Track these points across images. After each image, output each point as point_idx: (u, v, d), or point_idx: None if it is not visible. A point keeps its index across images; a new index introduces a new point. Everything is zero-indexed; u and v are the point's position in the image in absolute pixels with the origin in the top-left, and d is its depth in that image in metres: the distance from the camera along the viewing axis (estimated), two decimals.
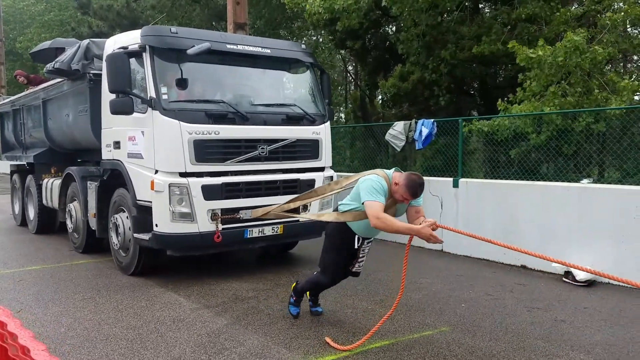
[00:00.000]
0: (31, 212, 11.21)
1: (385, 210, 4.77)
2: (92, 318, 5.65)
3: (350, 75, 25.93)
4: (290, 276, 7.39)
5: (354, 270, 5.33)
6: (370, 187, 4.72)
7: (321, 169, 7.67)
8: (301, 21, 20.58)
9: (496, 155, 9.96)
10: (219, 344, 4.88)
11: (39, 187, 10.57)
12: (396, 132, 10.61)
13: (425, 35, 13.85)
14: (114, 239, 7.61)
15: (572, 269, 7.04)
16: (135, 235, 7.00)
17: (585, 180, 8.06)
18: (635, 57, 14.59)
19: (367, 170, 5.12)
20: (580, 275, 7.01)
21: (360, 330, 5.24)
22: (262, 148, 7.03)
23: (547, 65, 9.58)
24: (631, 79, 9.44)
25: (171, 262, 7.82)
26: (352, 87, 25.68)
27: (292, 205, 6.02)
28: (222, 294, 6.54)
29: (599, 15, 10.76)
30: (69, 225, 9.17)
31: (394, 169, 4.94)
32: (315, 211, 7.36)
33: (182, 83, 6.69)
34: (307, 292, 5.73)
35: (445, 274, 7.69)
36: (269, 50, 7.35)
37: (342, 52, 18.34)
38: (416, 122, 10.34)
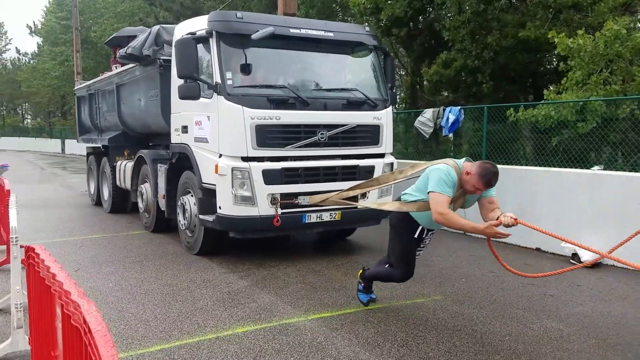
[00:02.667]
0: (105, 193, 11.19)
1: (454, 201, 4.31)
2: (136, 277, 6.24)
3: (400, 62, 25.29)
4: (312, 250, 7.68)
5: None
6: (439, 177, 4.24)
7: (381, 156, 7.19)
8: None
9: (541, 143, 9.54)
10: (236, 300, 5.41)
11: (113, 169, 10.51)
12: (425, 119, 10.33)
13: (470, 22, 13.27)
14: (181, 220, 7.44)
15: (578, 251, 6.97)
16: (201, 216, 6.82)
17: (596, 167, 7.85)
18: None
19: (435, 160, 4.64)
20: (585, 257, 6.83)
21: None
22: (322, 133, 6.65)
23: (587, 54, 9.09)
24: None
25: None
26: (404, 74, 25.09)
27: (352, 193, 5.70)
28: (249, 262, 6.89)
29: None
30: (140, 205, 9.10)
31: (464, 158, 4.43)
32: (374, 199, 6.95)
33: (246, 68, 6.42)
34: (359, 273, 5.34)
35: (458, 253, 7.52)
36: (332, 34, 6.92)
37: (389, 39, 17.87)
38: (444, 110, 10.01)
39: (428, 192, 4.33)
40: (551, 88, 10.18)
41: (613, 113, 8.45)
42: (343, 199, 5.92)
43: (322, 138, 6.70)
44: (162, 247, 7.81)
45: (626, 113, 8.32)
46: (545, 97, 9.85)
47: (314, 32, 6.87)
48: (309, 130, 6.65)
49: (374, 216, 7.00)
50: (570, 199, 7.41)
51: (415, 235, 4.71)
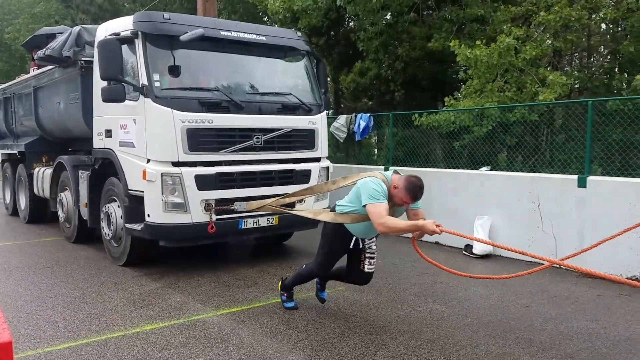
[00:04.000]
0: (22, 202, 9.88)
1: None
2: (47, 282, 5.88)
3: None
4: (231, 251, 7.47)
5: (365, 270, 4.58)
6: (371, 189, 4.05)
7: (317, 160, 6.71)
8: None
9: (446, 146, 9.77)
10: (147, 301, 5.19)
11: (30, 176, 9.27)
12: (339, 124, 10.24)
13: (383, 33, 13.25)
14: (106, 229, 6.58)
15: (471, 242, 7.19)
16: (127, 225, 6.06)
17: (483, 168, 8.08)
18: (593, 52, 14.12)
19: (364, 173, 4.43)
20: (477, 249, 7.08)
21: (273, 291, 5.44)
22: (257, 138, 6.09)
23: (483, 64, 9.24)
24: (559, 74, 9.19)
25: None
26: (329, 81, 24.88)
27: (288, 200, 5.30)
28: (164, 265, 6.56)
29: (534, 15, 10.39)
30: (60, 215, 8.03)
31: (392, 171, 4.25)
32: (311, 202, 6.46)
33: (174, 70, 5.74)
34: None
35: None
36: (264, 38, 6.36)
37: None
38: (356, 116, 10.00)
39: (364, 206, 4.10)
40: (455, 94, 10.15)
41: (507, 118, 8.63)
42: (280, 206, 5.45)
43: (257, 142, 6.14)
44: (75, 252, 7.29)
45: (516, 117, 8.56)
46: (445, 104, 9.88)
47: (246, 36, 6.29)
48: (244, 134, 6.07)
49: (312, 220, 6.51)
50: (462, 194, 7.76)
51: (351, 245, 4.50)
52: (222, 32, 6.11)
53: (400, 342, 4.19)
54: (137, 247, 6.27)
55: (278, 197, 5.46)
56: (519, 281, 5.90)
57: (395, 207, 4.25)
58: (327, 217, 4.56)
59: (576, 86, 11.38)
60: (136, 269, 6.29)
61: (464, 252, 7.28)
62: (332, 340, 4.25)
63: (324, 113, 6.86)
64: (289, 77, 7.06)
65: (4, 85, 11.14)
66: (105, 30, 6.44)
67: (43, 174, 8.71)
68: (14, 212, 10.43)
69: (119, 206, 6.40)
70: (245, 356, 3.92)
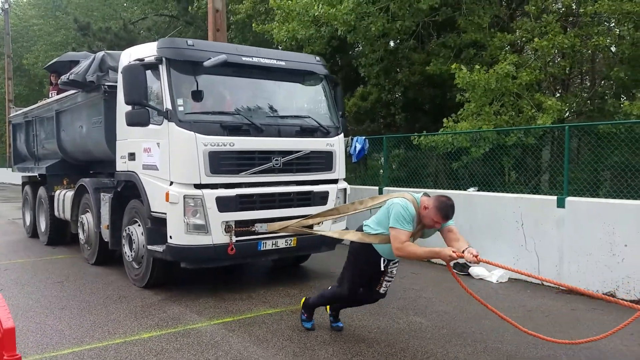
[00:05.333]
0: (42, 224, 9.55)
1: (413, 235, 4.01)
2: (56, 295, 6.01)
3: None
4: (233, 268, 7.29)
5: (380, 290, 4.44)
6: (398, 213, 3.94)
7: (335, 181, 6.51)
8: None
9: (444, 167, 9.78)
10: (147, 312, 5.33)
11: (51, 199, 8.95)
12: None
13: (384, 59, 13.23)
14: (127, 251, 6.37)
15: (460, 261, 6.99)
16: (149, 247, 5.83)
17: (471, 189, 8.00)
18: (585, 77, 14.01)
19: (395, 193, 4.27)
20: (475, 271, 6.89)
21: (265, 304, 5.60)
22: (276, 160, 5.92)
23: (480, 89, 9.21)
24: (555, 99, 9.10)
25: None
26: None
27: (311, 221, 5.10)
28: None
29: (528, 43, 10.34)
30: (81, 237, 7.79)
31: (422, 193, 4.11)
32: (328, 225, 6.20)
33: (197, 95, 5.63)
34: (327, 307, 4.82)
35: None
36: (283, 63, 6.24)
37: None
38: (352, 139, 9.97)
39: (389, 227, 4.00)
40: (453, 116, 10.03)
41: (504, 140, 8.58)
42: (302, 227, 5.25)
43: (276, 164, 5.96)
44: (85, 269, 7.34)
45: (513, 141, 8.50)
46: (444, 125, 9.79)
47: (266, 61, 6.17)
48: (264, 156, 5.90)
49: (330, 242, 6.32)
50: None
51: (382, 268, 4.32)
52: (244, 58, 6.00)
53: (376, 350, 4.35)
54: (158, 269, 6.05)
55: (300, 219, 5.27)
56: (500, 297, 5.97)
57: (424, 229, 4.11)
58: (354, 236, 4.38)
59: (573, 110, 11.28)
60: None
61: (454, 269, 6.94)
62: (313, 347, 4.41)
63: (342, 135, 6.68)
64: (308, 100, 6.93)
65: (26, 109, 10.97)
66: (129, 56, 6.31)
67: (64, 197, 8.46)
68: (34, 234, 10.11)
69: (141, 228, 6.19)
70: None
